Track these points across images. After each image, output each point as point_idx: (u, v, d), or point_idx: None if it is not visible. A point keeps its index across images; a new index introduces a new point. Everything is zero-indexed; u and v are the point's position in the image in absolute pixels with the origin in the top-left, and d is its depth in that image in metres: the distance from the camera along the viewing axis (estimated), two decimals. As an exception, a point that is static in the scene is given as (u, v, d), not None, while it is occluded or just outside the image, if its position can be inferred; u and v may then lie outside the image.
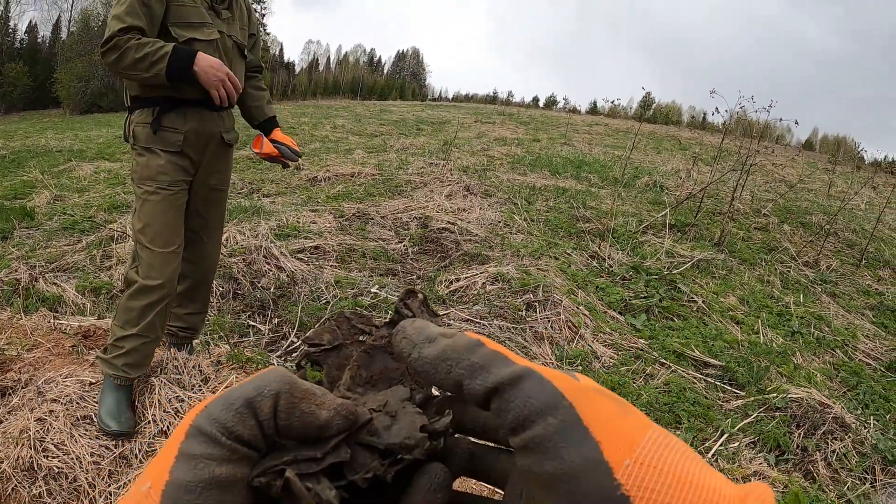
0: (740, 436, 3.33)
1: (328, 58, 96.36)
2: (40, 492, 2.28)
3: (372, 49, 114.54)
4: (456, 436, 0.42)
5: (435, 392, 0.43)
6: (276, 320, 4.10)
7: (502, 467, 0.40)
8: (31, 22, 62.07)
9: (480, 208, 7.10)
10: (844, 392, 4.11)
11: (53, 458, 2.38)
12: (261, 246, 4.95)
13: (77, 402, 2.69)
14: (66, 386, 2.78)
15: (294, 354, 3.71)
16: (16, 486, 2.28)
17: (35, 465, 2.34)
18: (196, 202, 2.88)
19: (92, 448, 2.47)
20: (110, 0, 32.75)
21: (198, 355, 3.18)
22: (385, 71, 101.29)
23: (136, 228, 2.70)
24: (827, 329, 5.06)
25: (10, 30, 56.62)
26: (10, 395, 2.77)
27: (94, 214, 6.34)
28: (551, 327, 4.15)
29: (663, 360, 4.03)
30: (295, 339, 3.85)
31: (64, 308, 3.99)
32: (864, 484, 3.09)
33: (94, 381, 2.84)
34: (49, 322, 3.64)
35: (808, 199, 10.57)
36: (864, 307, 5.88)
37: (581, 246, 6.21)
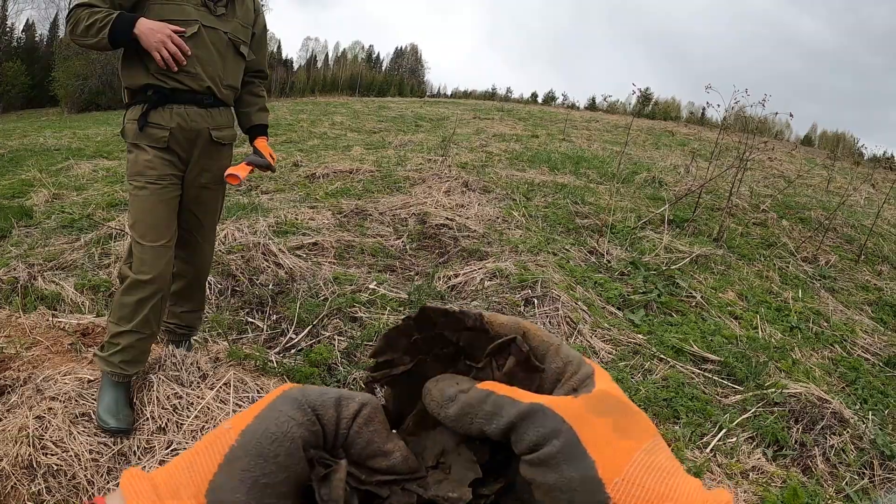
0: (739, 431, 3.33)
1: (326, 55, 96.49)
2: (39, 489, 2.28)
3: (370, 46, 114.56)
4: None
5: None
6: (274, 317, 4.10)
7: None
8: (28, 20, 62.16)
9: (479, 204, 7.09)
10: (843, 387, 4.12)
11: (52, 455, 2.38)
12: (259, 243, 4.95)
13: (76, 400, 2.69)
14: (65, 383, 2.78)
15: (292, 351, 3.71)
16: (15, 483, 2.28)
17: (34, 463, 2.34)
18: (188, 200, 2.88)
19: (91, 445, 2.47)
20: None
21: (196, 352, 3.18)
22: (383, 68, 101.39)
23: (129, 223, 2.75)
24: (826, 324, 5.06)
25: (8, 28, 56.66)
26: (9, 393, 2.78)
27: (93, 212, 6.33)
28: (549, 323, 4.15)
29: (662, 356, 4.03)
30: (293, 336, 3.85)
31: (62, 306, 3.99)
32: (863, 479, 3.10)
33: (92, 378, 2.84)
34: (48, 320, 3.64)
35: (806, 195, 10.58)
36: (863, 302, 5.89)
37: (579, 241, 6.21)
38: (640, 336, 4.28)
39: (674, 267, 5.55)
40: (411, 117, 20.03)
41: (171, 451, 2.52)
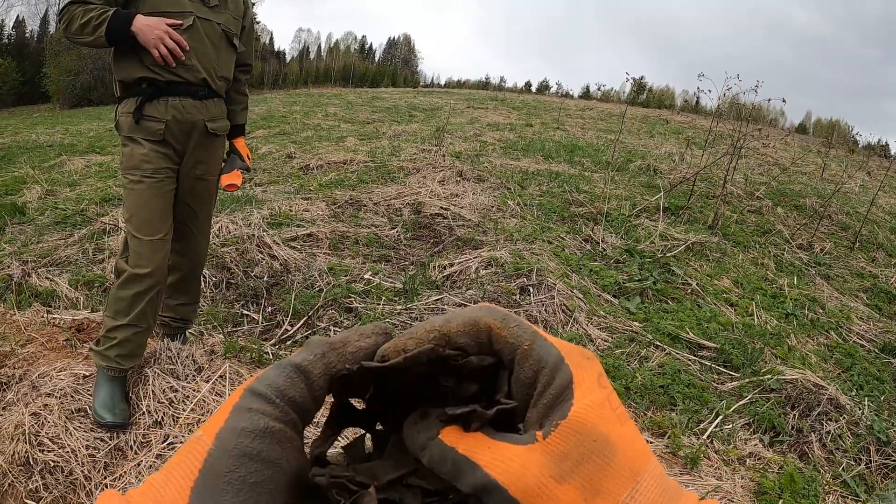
0: (735, 417, 3.34)
1: (319, 46, 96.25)
2: (37, 486, 2.28)
3: (363, 36, 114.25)
4: None
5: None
6: (269, 309, 4.10)
7: None
8: (18, 17, 61.88)
9: (473, 193, 7.08)
10: (839, 374, 4.13)
11: (49, 452, 2.38)
12: (253, 235, 4.94)
13: (71, 396, 2.69)
14: (61, 380, 2.77)
15: (288, 343, 3.71)
16: (12, 481, 2.28)
17: (31, 460, 2.34)
18: (183, 192, 2.87)
19: (87, 441, 2.47)
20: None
21: (191, 345, 3.17)
22: (376, 58, 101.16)
23: (125, 218, 2.73)
24: (821, 311, 5.07)
25: (-2, 26, 56.31)
26: (4, 390, 2.77)
27: (86, 208, 6.31)
28: (545, 311, 4.15)
29: (658, 343, 4.04)
30: (289, 328, 3.85)
31: (57, 302, 3.98)
32: (859, 465, 3.11)
33: (88, 373, 2.84)
34: (42, 317, 3.63)
35: (801, 183, 10.59)
36: (858, 289, 5.91)
37: (574, 230, 6.21)
38: (635, 323, 4.28)
39: (669, 254, 5.55)
40: (405, 107, 19.98)
41: (168, 445, 2.52)
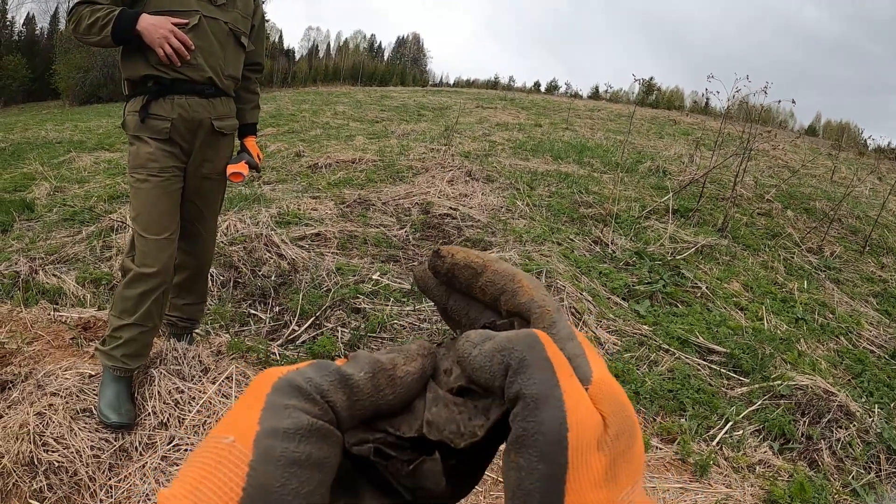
0: (745, 423, 3.31)
1: (328, 44, 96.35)
2: (41, 486, 2.27)
3: (372, 35, 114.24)
4: None
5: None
6: (277, 308, 4.08)
7: None
8: (28, 14, 62.21)
9: (482, 194, 7.06)
10: (849, 380, 4.09)
11: (53, 452, 2.37)
12: (261, 234, 4.92)
13: (77, 395, 2.68)
14: (66, 379, 2.76)
15: (295, 343, 3.69)
16: (16, 481, 2.27)
17: (35, 460, 2.33)
18: (190, 191, 2.86)
19: (92, 441, 2.45)
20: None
21: (198, 345, 3.16)
22: (385, 57, 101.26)
23: (131, 217, 2.74)
24: (831, 316, 5.04)
25: (8, 22, 56.72)
26: (9, 388, 2.76)
27: (94, 205, 6.31)
28: (554, 315, 4.12)
29: (667, 347, 4.01)
30: (296, 328, 3.83)
31: (64, 300, 3.97)
32: (869, 473, 3.08)
33: (93, 373, 2.83)
34: (49, 314, 3.62)
35: (811, 185, 10.52)
36: (868, 294, 5.86)
37: (584, 231, 6.18)
38: (645, 327, 4.25)
39: (679, 257, 5.52)
40: (414, 106, 19.97)
41: (173, 446, 2.51)
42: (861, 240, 7.40)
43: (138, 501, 2.27)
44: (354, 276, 4.55)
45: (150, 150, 2.66)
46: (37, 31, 61.11)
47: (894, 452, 3.21)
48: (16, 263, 4.37)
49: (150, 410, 2.66)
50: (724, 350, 4.06)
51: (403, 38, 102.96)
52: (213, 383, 2.86)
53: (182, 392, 2.76)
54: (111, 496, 2.28)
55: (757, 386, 3.68)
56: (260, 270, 4.52)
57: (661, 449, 3.01)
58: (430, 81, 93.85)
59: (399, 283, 4.50)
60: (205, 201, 2.96)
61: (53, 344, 3.22)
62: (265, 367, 2.92)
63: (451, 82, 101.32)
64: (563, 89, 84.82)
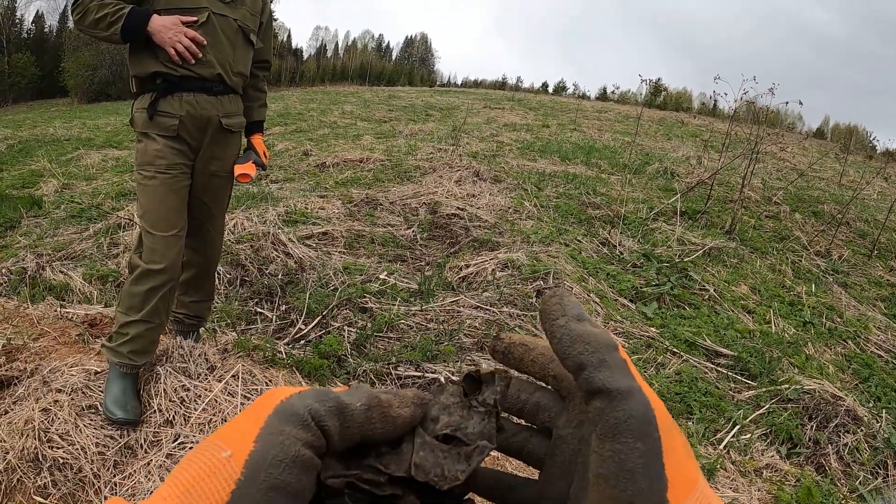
0: (752, 427, 3.29)
1: (336, 44, 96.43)
2: (45, 483, 2.26)
3: (380, 35, 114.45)
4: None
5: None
6: (283, 307, 4.08)
7: (535, 448, 0.43)
8: (37, 12, 62.42)
9: (490, 194, 7.06)
10: (856, 384, 4.07)
11: (58, 448, 2.36)
12: (268, 232, 4.93)
13: (82, 392, 2.68)
14: (72, 375, 2.76)
15: (301, 342, 3.69)
16: (21, 477, 2.27)
17: (40, 456, 2.32)
18: (198, 189, 2.86)
19: (97, 438, 2.45)
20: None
21: (204, 343, 3.15)
22: (393, 57, 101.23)
23: (139, 214, 2.74)
24: (839, 320, 5.01)
25: (17, 20, 56.94)
26: (15, 385, 2.76)
27: (102, 202, 6.33)
28: (561, 316, 4.11)
29: (675, 350, 3.99)
30: (303, 327, 3.83)
31: (71, 296, 3.98)
32: (877, 479, 3.06)
33: (99, 370, 2.82)
34: (56, 311, 3.62)
35: (819, 188, 10.50)
36: (876, 298, 5.83)
37: (591, 233, 6.17)
38: (652, 329, 4.23)
39: (686, 259, 5.50)
40: (421, 106, 19.98)
41: (178, 444, 2.50)
42: (869, 243, 7.36)
43: (143, 499, 2.27)
44: (361, 275, 4.54)
45: (158, 147, 2.66)
46: (46, 29, 61.31)
47: (902, 458, 3.19)
48: (23, 260, 4.38)
49: (155, 408, 2.65)
50: (732, 353, 4.04)
51: (411, 37, 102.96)
52: (220, 381, 2.85)
53: (188, 390, 2.76)
54: (116, 493, 2.28)
55: (764, 390, 3.66)
56: (267, 269, 4.52)
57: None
58: (437, 81, 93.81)
59: (406, 282, 4.50)
60: (213, 199, 2.96)
61: (60, 340, 3.22)
62: (271, 366, 2.91)
63: (459, 82, 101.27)
64: (570, 90, 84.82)
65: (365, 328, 3.79)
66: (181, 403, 2.70)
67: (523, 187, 7.59)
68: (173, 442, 2.52)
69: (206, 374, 2.89)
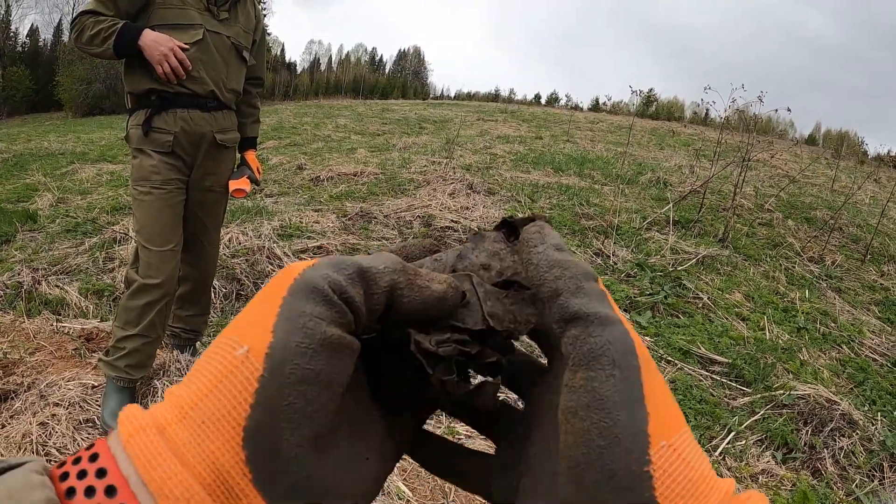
0: (747, 434, 3.31)
1: (330, 57, 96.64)
2: (43, 496, 2.26)
3: (373, 48, 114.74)
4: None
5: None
6: (279, 321, 4.08)
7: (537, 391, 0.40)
8: (32, 25, 62.53)
9: (484, 206, 7.07)
10: (851, 388, 4.08)
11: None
12: (263, 246, 4.94)
13: (79, 406, 2.68)
14: (69, 389, 2.77)
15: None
16: (19, 490, 2.27)
17: (38, 470, 2.32)
18: (193, 204, 2.89)
19: (95, 452, 2.45)
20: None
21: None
22: (387, 70, 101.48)
23: (135, 229, 2.77)
24: (833, 325, 5.03)
25: (12, 33, 56.95)
26: (12, 399, 2.76)
27: (97, 216, 6.33)
28: (556, 325, 4.12)
29: (669, 358, 4.01)
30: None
31: (66, 311, 3.98)
32: (873, 482, 3.07)
33: (96, 384, 2.83)
34: (52, 325, 3.63)
35: (811, 194, 10.53)
36: (870, 302, 5.85)
37: (585, 243, 6.19)
38: (647, 338, 4.25)
39: (680, 268, 5.53)
40: (415, 119, 20.00)
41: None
42: (862, 248, 7.39)
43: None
44: (356, 287, 4.54)
45: (153, 162, 2.68)
46: (40, 43, 61.36)
47: (897, 461, 3.21)
48: (18, 274, 4.38)
49: (153, 421, 2.66)
50: (726, 360, 4.06)
51: (404, 50, 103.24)
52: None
53: (185, 402, 2.76)
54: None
55: (759, 396, 3.68)
56: (262, 283, 4.52)
57: (663, 459, 3.01)
58: (431, 94, 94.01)
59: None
60: (207, 213, 2.98)
61: (56, 354, 3.22)
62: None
63: (452, 95, 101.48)
64: (563, 101, 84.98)
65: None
66: (178, 416, 2.70)
67: (517, 199, 7.61)
68: (171, 454, 2.52)
69: (202, 387, 2.90)
